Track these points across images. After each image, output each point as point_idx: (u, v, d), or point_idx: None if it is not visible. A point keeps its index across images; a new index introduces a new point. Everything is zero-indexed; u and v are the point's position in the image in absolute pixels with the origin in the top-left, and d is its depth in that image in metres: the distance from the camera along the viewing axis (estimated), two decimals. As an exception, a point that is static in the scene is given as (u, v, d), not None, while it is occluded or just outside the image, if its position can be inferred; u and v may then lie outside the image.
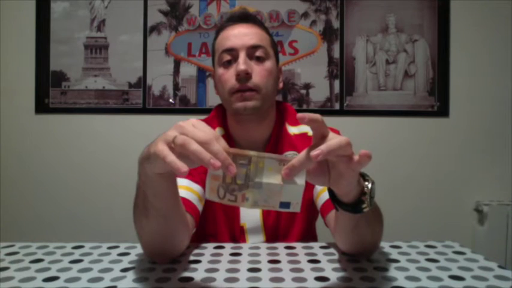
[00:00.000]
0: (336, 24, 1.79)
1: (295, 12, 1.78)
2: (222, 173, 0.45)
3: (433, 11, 1.79)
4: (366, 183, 0.52)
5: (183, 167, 0.42)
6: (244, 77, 0.76)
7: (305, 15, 1.79)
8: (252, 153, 0.45)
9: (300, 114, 0.44)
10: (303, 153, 0.45)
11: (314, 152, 0.43)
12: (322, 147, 0.43)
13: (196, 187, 0.77)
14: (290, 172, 0.45)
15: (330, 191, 0.54)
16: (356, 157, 0.46)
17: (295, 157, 0.45)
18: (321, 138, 0.46)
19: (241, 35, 0.79)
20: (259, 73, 0.78)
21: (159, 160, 0.44)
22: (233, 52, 0.79)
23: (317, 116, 0.45)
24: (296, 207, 0.47)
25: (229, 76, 0.79)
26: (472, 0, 1.78)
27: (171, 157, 0.43)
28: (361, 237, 0.61)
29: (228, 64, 0.80)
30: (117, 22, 1.80)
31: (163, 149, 0.44)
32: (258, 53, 0.79)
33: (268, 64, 0.80)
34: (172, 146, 0.45)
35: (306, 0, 1.79)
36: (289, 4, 1.78)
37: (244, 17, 0.84)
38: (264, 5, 1.77)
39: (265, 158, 0.45)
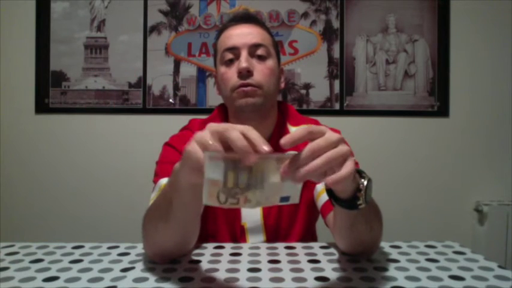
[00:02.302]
0: (336, 24, 1.79)
1: (295, 12, 1.78)
2: (222, 178, 0.44)
3: (433, 11, 1.79)
4: (362, 180, 0.53)
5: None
6: (246, 74, 0.77)
7: (305, 15, 1.79)
8: None
9: (282, 141, 0.45)
10: (302, 152, 0.45)
11: (298, 174, 0.44)
12: (304, 170, 0.44)
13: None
14: (288, 171, 0.45)
15: (328, 187, 0.55)
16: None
17: (293, 155, 0.46)
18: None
19: (243, 34, 0.81)
20: (261, 71, 0.79)
21: (192, 157, 0.45)
22: (235, 51, 0.80)
23: (301, 131, 0.45)
24: (295, 199, 0.48)
25: (231, 74, 0.79)
26: (472, 0, 1.78)
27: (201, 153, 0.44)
28: (359, 235, 0.61)
29: (230, 63, 0.81)
30: (117, 22, 1.79)
31: (196, 146, 0.45)
32: (260, 52, 0.80)
33: (270, 63, 0.81)
34: (208, 142, 0.45)
35: (306, 0, 1.79)
36: (289, 4, 1.78)
37: (247, 17, 0.85)
38: (264, 5, 1.77)
39: (264, 159, 0.45)
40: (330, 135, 0.46)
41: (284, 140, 0.45)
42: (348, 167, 0.45)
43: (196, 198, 0.54)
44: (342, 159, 0.46)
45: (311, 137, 0.46)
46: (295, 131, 0.46)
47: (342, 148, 0.46)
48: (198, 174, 0.45)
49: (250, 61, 0.79)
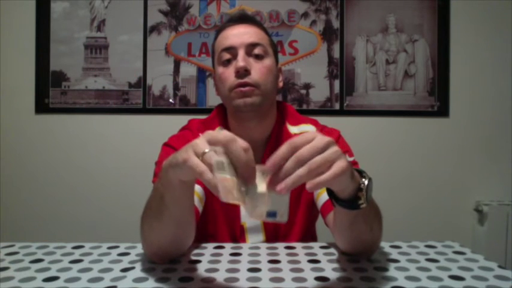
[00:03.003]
0: (336, 24, 1.79)
1: (295, 12, 1.78)
2: (230, 174, 0.44)
3: (433, 11, 1.79)
4: (363, 179, 0.53)
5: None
6: (243, 73, 0.78)
7: (305, 15, 1.79)
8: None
9: (266, 165, 0.45)
10: (288, 163, 0.45)
11: (278, 187, 0.44)
12: (287, 182, 0.44)
13: (197, 188, 0.77)
14: (273, 182, 0.45)
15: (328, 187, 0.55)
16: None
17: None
18: None
19: (240, 34, 0.81)
20: (258, 70, 0.79)
21: (187, 168, 0.46)
22: (232, 50, 0.80)
23: (283, 149, 0.45)
24: (283, 217, 0.46)
25: (229, 74, 0.80)
26: (472, 0, 1.78)
27: (203, 167, 0.44)
28: (359, 234, 0.61)
29: (227, 63, 0.81)
30: (117, 22, 1.79)
31: (193, 157, 0.46)
32: (257, 51, 0.80)
33: (267, 61, 0.81)
34: (204, 150, 0.45)
35: (306, 0, 1.79)
36: (289, 4, 1.78)
37: (243, 18, 0.86)
38: (264, 5, 1.77)
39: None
40: (316, 142, 0.45)
41: (268, 164, 0.45)
42: (331, 171, 0.45)
43: (187, 193, 0.56)
44: (328, 164, 0.45)
45: (296, 150, 0.45)
46: (277, 150, 0.45)
47: (328, 152, 0.45)
48: (189, 174, 0.46)
49: (248, 60, 0.79)
